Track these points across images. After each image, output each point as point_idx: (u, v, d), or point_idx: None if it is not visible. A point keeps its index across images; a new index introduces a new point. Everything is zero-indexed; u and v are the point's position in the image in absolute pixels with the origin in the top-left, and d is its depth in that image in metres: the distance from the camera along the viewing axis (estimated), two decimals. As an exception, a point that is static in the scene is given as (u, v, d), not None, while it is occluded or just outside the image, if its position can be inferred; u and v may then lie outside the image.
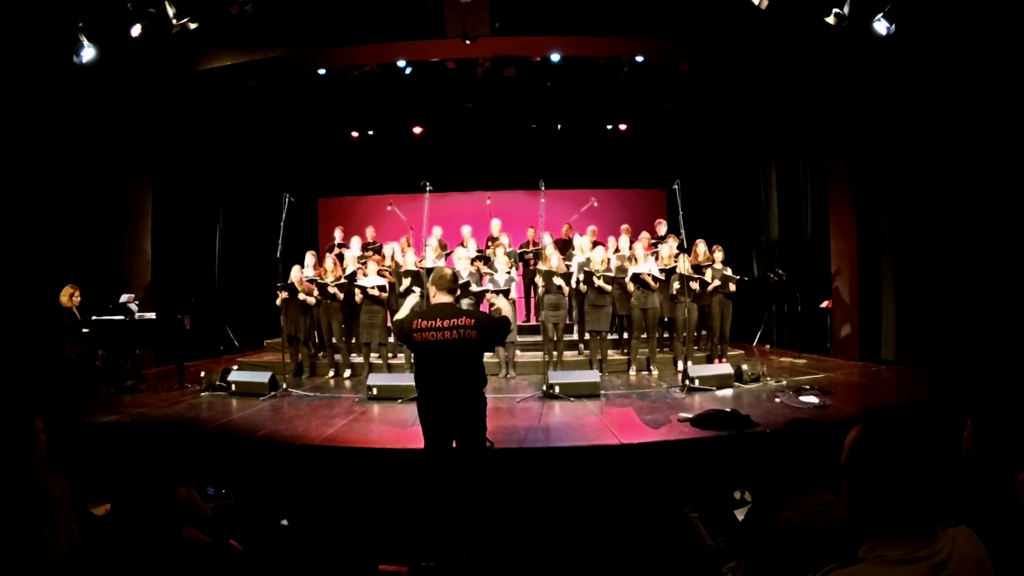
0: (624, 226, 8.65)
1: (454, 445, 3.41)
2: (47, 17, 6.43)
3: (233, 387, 6.59)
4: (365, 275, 7.39)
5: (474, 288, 7.09)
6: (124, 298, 7.30)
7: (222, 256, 10.35)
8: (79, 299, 6.76)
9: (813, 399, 5.63)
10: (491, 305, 7.02)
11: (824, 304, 8.86)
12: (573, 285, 7.32)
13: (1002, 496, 1.81)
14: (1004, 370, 6.05)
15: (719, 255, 7.58)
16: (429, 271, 6.54)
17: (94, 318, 6.73)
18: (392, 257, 7.88)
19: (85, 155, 7.87)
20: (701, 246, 7.80)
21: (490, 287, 6.93)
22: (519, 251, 8.59)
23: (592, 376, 6.40)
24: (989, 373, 6.16)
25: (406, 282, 7.28)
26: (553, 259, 7.24)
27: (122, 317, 6.92)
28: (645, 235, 8.37)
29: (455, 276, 3.59)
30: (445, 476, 3.37)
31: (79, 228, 7.81)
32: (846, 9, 6.24)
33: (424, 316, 3.36)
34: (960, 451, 2.14)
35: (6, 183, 6.89)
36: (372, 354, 7.53)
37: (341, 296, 7.40)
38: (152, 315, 7.17)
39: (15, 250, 6.93)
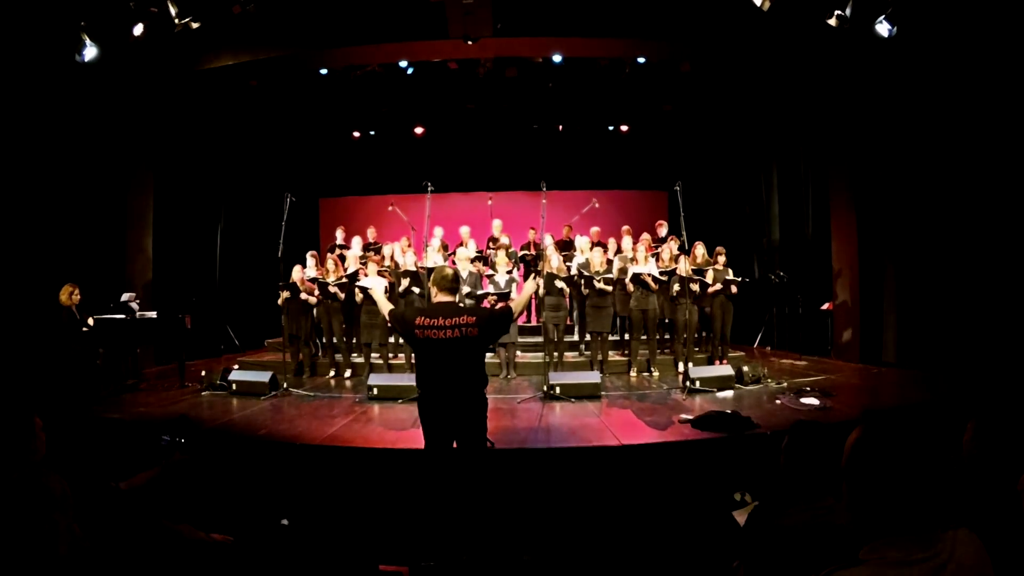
0: (625, 227, 8.66)
1: (455, 445, 3.41)
2: (50, 16, 6.45)
3: (234, 386, 6.59)
4: (366, 275, 7.40)
5: (472, 290, 7.09)
6: (125, 297, 7.31)
7: (223, 255, 10.36)
8: (79, 297, 6.76)
9: (814, 401, 5.63)
10: (493, 305, 7.01)
11: (825, 306, 8.86)
12: (574, 287, 7.32)
13: (1003, 499, 1.81)
14: (1004, 372, 6.04)
15: (721, 258, 7.58)
16: (429, 271, 6.54)
17: (95, 317, 6.74)
18: (392, 257, 7.88)
19: (87, 154, 7.88)
20: (700, 248, 7.78)
21: (491, 289, 6.93)
22: (520, 252, 8.60)
23: (593, 377, 6.40)
24: (989, 375, 6.16)
25: (405, 282, 7.29)
26: (554, 260, 7.24)
27: (123, 316, 6.93)
28: (646, 236, 8.36)
29: (456, 276, 3.60)
30: (446, 476, 3.37)
31: (81, 227, 7.82)
32: (848, 11, 6.24)
33: (426, 314, 3.37)
34: (960, 453, 2.14)
35: (8, 182, 6.89)
36: (372, 354, 7.53)
37: (342, 296, 7.40)
38: (153, 314, 7.17)
39: (16, 249, 6.94)
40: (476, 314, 3.39)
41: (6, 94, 6.73)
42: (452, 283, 3.48)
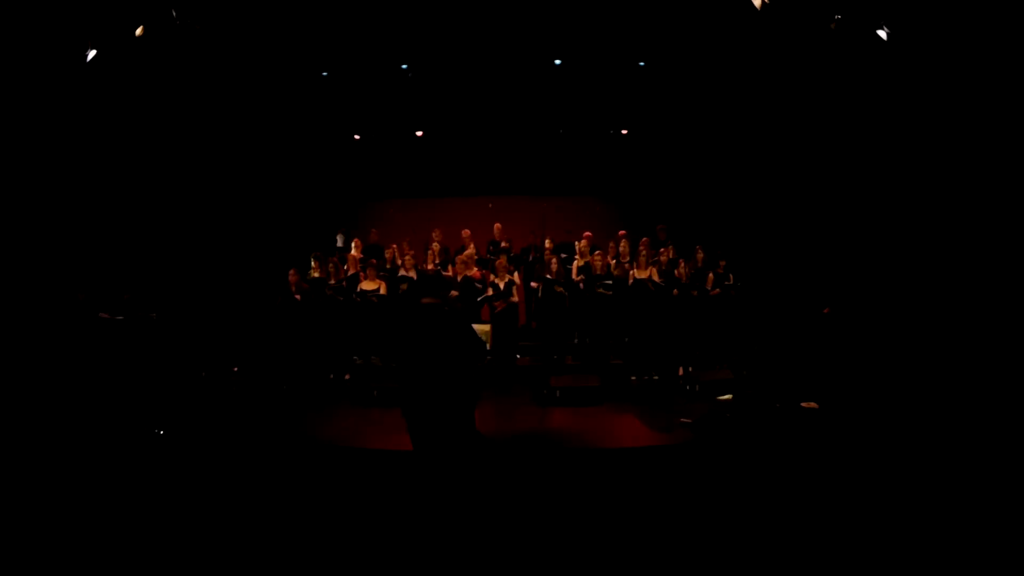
0: (621, 232, 8.64)
1: (444, 447, 3.42)
2: (53, 18, 6.46)
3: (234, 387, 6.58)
4: (365, 278, 7.41)
5: (467, 293, 7.09)
6: (125, 297, 7.30)
7: (224, 256, 10.33)
8: (82, 297, 6.76)
9: (814, 403, 5.63)
10: (492, 310, 7.03)
11: (826, 309, 8.85)
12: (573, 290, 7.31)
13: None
14: (1004, 375, 6.04)
15: (723, 261, 7.58)
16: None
17: (96, 316, 6.73)
18: (391, 261, 7.88)
19: (88, 153, 7.89)
20: (700, 253, 7.78)
21: (490, 291, 6.93)
22: (520, 256, 8.60)
23: (592, 380, 6.39)
24: (989, 377, 6.16)
25: (404, 286, 7.29)
26: (553, 264, 7.25)
27: (122, 317, 6.92)
28: (646, 240, 8.36)
29: (441, 279, 3.68)
30: (436, 477, 3.38)
31: (82, 227, 7.82)
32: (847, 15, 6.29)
33: (411, 315, 3.43)
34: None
35: (9, 182, 6.90)
36: (373, 356, 7.52)
37: (340, 299, 7.40)
38: (153, 314, 7.17)
39: (17, 248, 6.94)
40: (458, 315, 3.45)
41: (9, 94, 6.75)
42: (438, 287, 3.56)
